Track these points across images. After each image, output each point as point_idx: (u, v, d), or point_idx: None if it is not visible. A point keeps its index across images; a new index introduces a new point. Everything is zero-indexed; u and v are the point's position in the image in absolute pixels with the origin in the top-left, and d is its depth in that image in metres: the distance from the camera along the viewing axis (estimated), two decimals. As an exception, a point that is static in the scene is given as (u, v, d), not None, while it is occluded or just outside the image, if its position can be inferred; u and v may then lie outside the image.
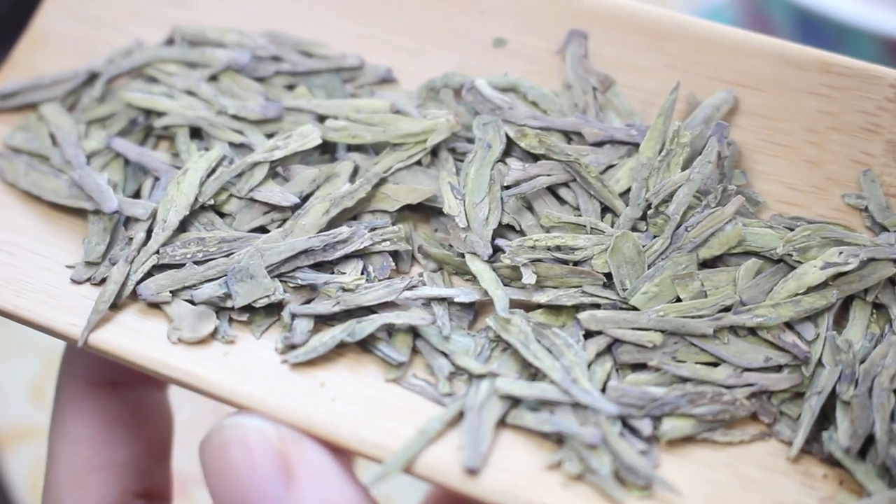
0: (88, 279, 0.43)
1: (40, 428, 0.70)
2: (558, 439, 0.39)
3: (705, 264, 0.42)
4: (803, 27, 0.70)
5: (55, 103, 0.48)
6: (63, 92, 0.48)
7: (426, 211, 0.45)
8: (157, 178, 0.45)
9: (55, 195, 0.45)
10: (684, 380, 0.40)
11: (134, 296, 0.42)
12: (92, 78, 0.48)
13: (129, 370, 0.42)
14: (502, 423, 0.40)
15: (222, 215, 0.44)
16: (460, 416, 0.40)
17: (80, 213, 0.45)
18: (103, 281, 0.43)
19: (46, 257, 0.44)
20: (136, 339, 0.41)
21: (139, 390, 0.48)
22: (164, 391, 0.49)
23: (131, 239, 0.43)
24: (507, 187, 0.44)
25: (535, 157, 0.44)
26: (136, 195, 0.45)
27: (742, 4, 0.77)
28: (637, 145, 0.44)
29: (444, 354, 0.41)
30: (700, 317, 0.41)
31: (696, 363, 0.41)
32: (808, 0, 0.69)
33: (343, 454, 0.39)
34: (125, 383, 0.47)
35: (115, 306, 0.42)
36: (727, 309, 0.41)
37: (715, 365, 0.41)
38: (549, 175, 0.44)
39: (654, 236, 0.43)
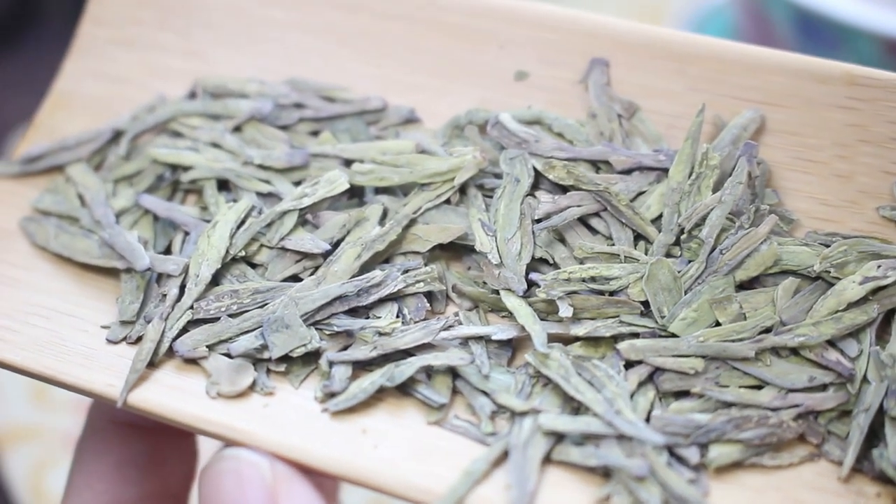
0: (124, 338, 0.43)
1: (40, 428, 0.74)
2: (605, 473, 0.39)
3: (742, 286, 0.42)
4: (803, 27, 0.70)
5: (82, 164, 0.48)
6: (89, 152, 0.48)
7: (458, 249, 0.44)
8: (186, 233, 0.45)
9: (86, 256, 0.45)
10: (729, 405, 0.40)
11: (170, 352, 0.42)
12: (117, 136, 0.48)
13: None
14: (548, 459, 0.39)
15: (254, 266, 0.44)
16: (505, 455, 0.39)
17: (112, 272, 0.45)
18: (139, 340, 0.43)
19: (81, 318, 0.44)
20: (175, 396, 0.41)
21: (160, 434, 0.48)
22: (190, 437, 0.50)
23: (165, 295, 0.43)
24: (538, 221, 0.43)
25: (564, 189, 0.44)
26: (167, 251, 0.45)
27: (742, 4, 0.76)
28: (666, 170, 0.44)
29: (485, 393, 0.41)
30: (741, 340, 0.41)
31: (740, 387, 0.40)
32: (808, 0, 0.69)
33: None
34: (147, 426, 0.47)
35: (153, 364, 0.42)
36: (768, 330, 0.41)
37: (759, 388, 0.40)
38: (579, 206, 0.43)
39: (689, 261, 0.42)
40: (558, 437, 0.40)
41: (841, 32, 0.67)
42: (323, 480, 0.41)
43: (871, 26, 0.67)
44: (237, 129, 0.47)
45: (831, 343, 0.41)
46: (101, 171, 0.48)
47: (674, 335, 0.41)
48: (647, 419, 0.40)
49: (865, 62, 0.63)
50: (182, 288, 0.43)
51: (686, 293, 0.42)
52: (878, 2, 0.67)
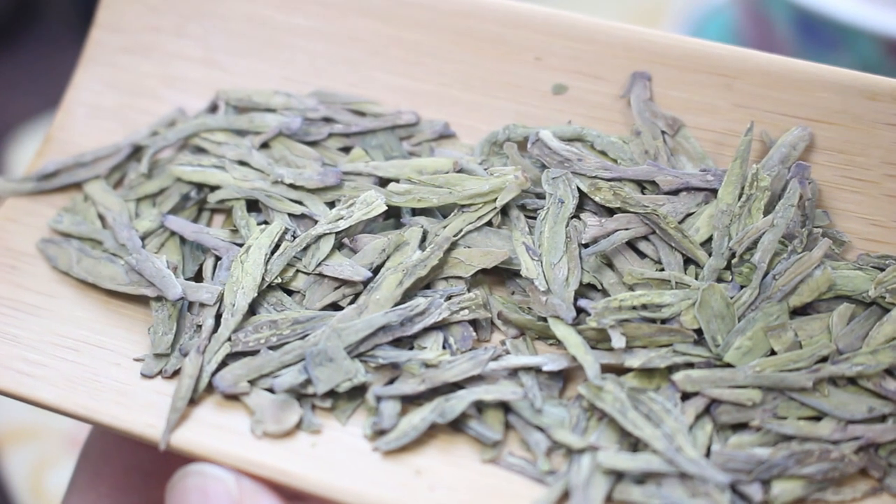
0: (159, 372, 0.41)
1: (40, 428, 0.72)
2: (669, 513, 0.38)
3: (795, 312, 0.41)
4: (803, 27, 0.69)
5: (100, 181, 0.46)
6: (107, 168, 0.46)
7: (500, 272, 0.43)
8: (217, 257, 0.44)
9: (113, 282, 0.43)
10: (789, 438, 0.39)
11: (209, 388, 0.41)
12: (136, 151, 0.46)
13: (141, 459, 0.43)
14: (608, 499, 0.38)
15: (290, 292, 0.43)
16: (566, 495, 0.38)
17: (139, 298, 0.43)
18: (175, 373, 0.41)
19: (111, 350, 0.42)
20: (219, 436, 0.40)
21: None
22: None
23: (199, 326, 0.42)
24: (585, 245, 0.42)
25: (610, 211, 0.43)
26: (197, 277, 0.44)
27: (742, 4, 0.76)
28: (714, 191, 0.43)
29: (539, 428, 0.40)
30: (797, 369, 0.40)
31: (798, 418, 0.40)
32: (808, 0, 0.68)
33: None
34: (150, 472, 0.46)
35: (192, 401, 0.40)
36: (824, 359, 0.40)
37: (817, 419, 0.40)
38: (627, 229, 0.42)
39: (741, 286, 0.41)
40: (618, 476, 0.39)
41: (841, 32, 0.67)
42: (299, 493, 0.40)
43: (871, 26, 0.66)
44: (264, 145, 0.46)
45: (889, 372, 0.40)
46: (120, 189, 0.46)
47: (729, 365, 0.40)
48: (706, 454, 0.39)
49: (865, 62, 0.63)
50: (217, 318, 0.42)
51: (739, 320, 0.41)
52: (878, 2, 0.66)
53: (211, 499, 0.38)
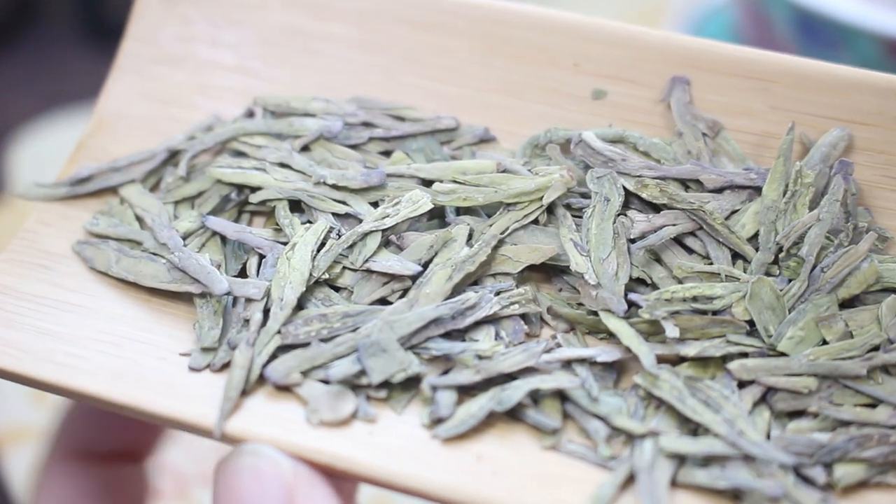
0: (207, 366, 0.41)
1: (40, 428, 0.72)
2: (734, 495, 0.38)
3: (843, 304, 0.42)
4: (803, 27, 0.70)
5: (136, 185, 0.46)
6: (142, 173, 0.46)
7: (547, 270, 0.43)
8: (261, 256, 0.43)
9: (155, 280, 0.43)
10: (847, 423, 0.39)
11: (260, 380, 0.40)
12: (172, 156, 0.46)
13: (112, 442, 0.43)
14: (672, 482, 0.38)
15: (337, 289, 0.42)
16: (631, 479, 0.38)
17: (180, 296, 0.43)
18: (224, 367, 0.40)
19: (155, 346, 0.41)
20: (275, 424, 0.39)
21: (117, 464, 0.47)
22: (142, 464, 0.49)
23: (247, 321, 0.41)
24: (633, 240, 0.42)
25: (656, 208, 0.43)
26: (239, 275, 0.43)
27: (742, 4, 0.76)
28: (757, 189, 0.43)
29: (598, 417, 0.39)
30: (850, 358, 0.40)
31: (855, 405, 0.40)
32: (808, 0, 0.69)
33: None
34: (104, 457, 0.47)
35: (243, 392, 0.40)
36: (876, 348, 0.40)
37: (873, 406, 0.40)
38: (674, 225, 0.42)
39: (789, 280, 0.42)
40: (681, 460, 0.38)
41: (841, 32, 0.67)
42: (342, 483, 0.39)
43: (871, 26, 0.67)
44: (304, 148, 0.46)
45: (940, 360, 0.40)
46: (157, 193, 0.46)
47: (783, 354, 0.40)
48: (767, 439, 0.39)
49: (865, 62, 0.64)
50: (266, 312, 0.41)
51: (790, 312, 0.41)
52: (878, 2, 0.67)
53: (264, 481, 0.37)
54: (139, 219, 0.45)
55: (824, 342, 0.41)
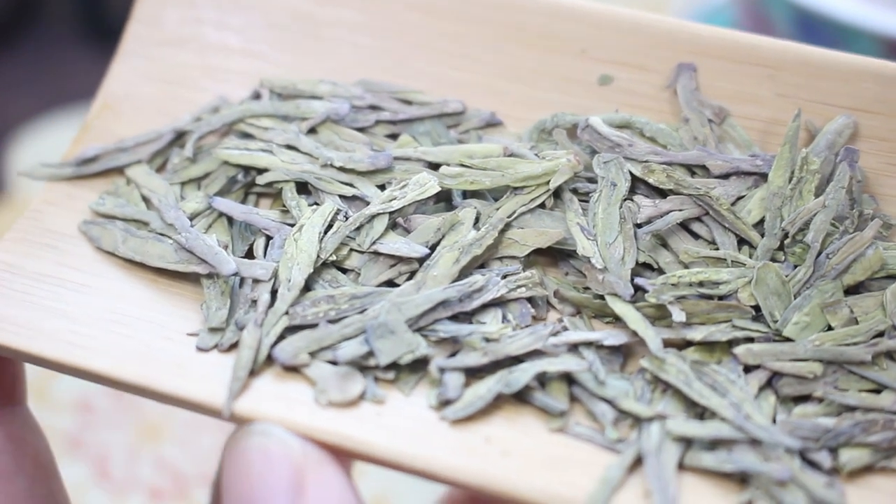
0: (215, 346, 0.41)
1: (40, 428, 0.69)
2: (741, 478, 0.38)
3: (848, 290, 0.42)
4: (803, 27, 0.70)
5: (143, 165, 0.46)
6: (149, 153, 0.46)
7: (554, 254, 0.43)
8: (268, 237, 0.43)
9: (162, 260, 0.43)
10: (852, 408, 0.40)
11: (268, 360, 0.40)
12: (178, 137, 0.46)
13: None
14: (679, 465, 0.38)
15: (344, 271, 0.42)
16: (638, 461, 0.38)
17: (187, 277, 0.43)
18: (232, 347, 0.41)
19: (162, 326, 0.41)
20: (283, 405, 0.39)
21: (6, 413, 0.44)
22: (24, 405, 0.45)
23: (254, 301, 0.41)
24: (640, 225, 0.43)
25: (662, 193, 0.43)
26: (247, 255, 0.43)
27: (742, 4, 0.76)
28: (763, 175, 0.43)
29: (605, 400, 0.40)
30: (855, 343, 0.40)
31: (860, 391, 0.40)
32: (808, 0, 0.69)
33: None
34: None
35: (252, 372, 0.40)
36: (880, 334, 0.41)
37: (877, 391, 0.40)
38: (681, 210, 0.43)
39: (794, 266, 0.42)
40: (687, 443, 0.39)
41: (841, 32, 0.67)
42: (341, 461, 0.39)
43: (871, 26, 0.67)
44: (311, 131, 0.46)
45: (944, 346, 0.41)
46: (163, 174, 0.46)
47: (788, 339, 0.41)
48: (773, 423, 0.39)
49: None
50: (273, 293, 0.41)
51: (795, 297, 0.41)
52: (878, 2, 0.67)
53: (273, 462, 0.37)
54: (146, 199, 0.45)
55: (829, 328, 0.41)
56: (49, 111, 0.83)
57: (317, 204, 0.44)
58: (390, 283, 0.42)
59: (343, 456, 0.39)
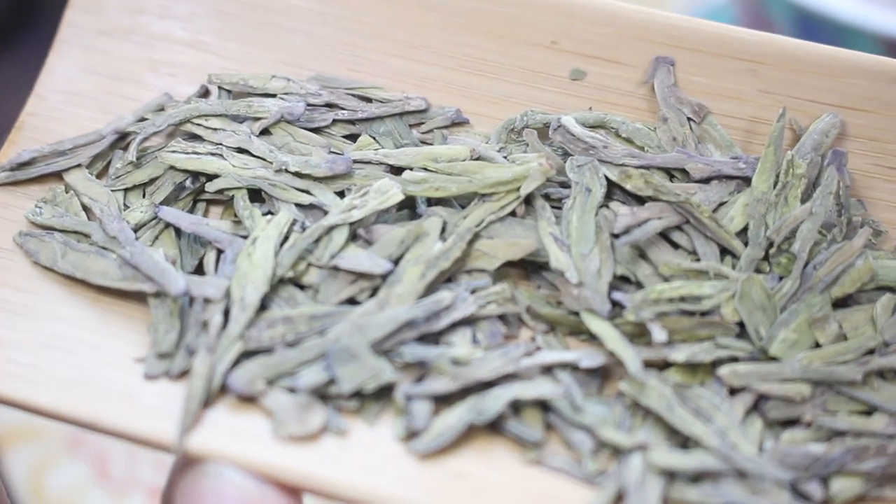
0: (164, 373, 0.38)
1: (40, 428, 0.69)
2: (728, 513, 0.36)
3: (836, 303, 0.40)
4: (803, 27, 0.69)
5: (82, 170, 0.42)
6: (88, 157, 0.43)
7: (525, 266, 0.41)
8: (220, 251, 0.40)
9: (105, 278, 0.40)
10: (842, 433, 0.37)
11: (222, 389, 0.37)
12: (121, 139, 0.43)
13: None
14: (663, 500, 0.36)
15: (301, 287, 0.40)
16: (619, 497, 0.36)
17: (134, 295, 0.40)
18: (183, 374, 0.38)
19: (107, 350, 0.38)
20: (239, 440, 0.36)
21: None
22: None
23: (206, 323, 0.38)
24: (616, 235, 0.40)
25: (640, 199, 0.41)
26: (196, 271, 0.40)
27: (742, 4, 0.75)
28: (746, 179, 0.41)
29: (582, 427, 0.37)
30: (845, 362, 0.38)
31: (850, 413, 0.38)
32: (808, 0, 0.67)
33: None
34: None
35: (205, 403, 0.37)
36: (871, 351, 0.39)
37: (868, 413, 0.38)
38: (660, 218, 0.40)
39: (780, 277, 0.40)
40: (670, 475, 0.36)
41: (841, 32, 0.66)
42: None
43: (871, 26, 0.66)
44: (264, 132, 0.43)
45: (938, 364, 0.38)
46: (105, 179, 0.43)
47: (775, 358, 0.38)
48: (760, 451, 0.37)
49: None
50: (226, 314, 0.38)
51: (781, 312, 0.39)
52: (878, 2, 0.66)
53: None
54: (86, 208, 0.42)
55: (817, 345, 0.39)
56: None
57: (271, 213, 0.41)
58: (352, 301, 0.39)
59: (304, 493, 0.36)
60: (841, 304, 0.40)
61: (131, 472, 0.69)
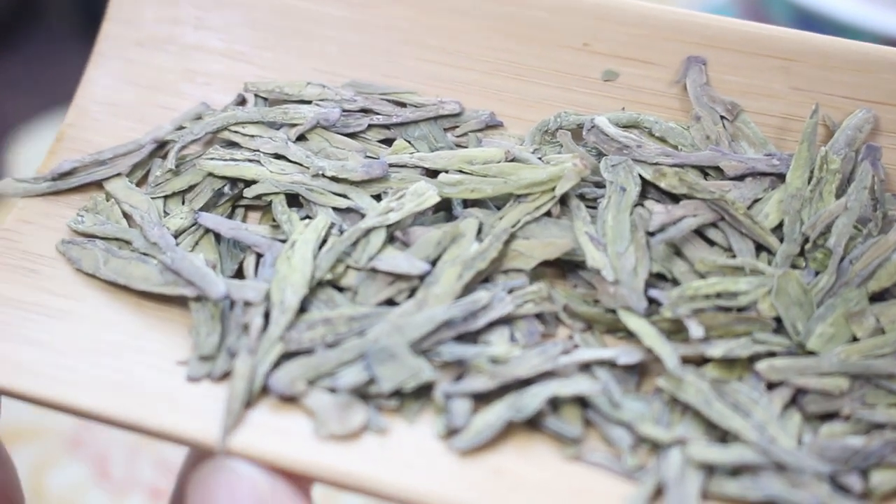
0: (206, 375, 0.38)
1: (40, 428, 0.70)
2: (767, 506, 0.36)
3: (872, 298, 0.40)
4: (803, 27, 0.69)
5: (122, 179, 0.43)
6: (128, 166, 0.43)
7: (561, 265, 0.41)
8: (259, 255, 0.41)
9: (146, 283, 0.40)
10: (881, 426, 0.37)
11: (263, 390, 0.38)
12: (159, 147, 0.44)
13: None
14: (702, 494, 0.36)
15: (340, 289, 0.40)
16: (658, 491, 0.36)
17: (174, 300, 0.40)
18: (224, 376, 0.38)
19: (151, 354, 0.39)
20: (281, 440, 0.37)
21: None
22: None
23: (247, 326, 0.39)
24: (652, 233, 0.40)
25: (674, 198, 0.41)
26: (236, 275, 0.41)
27: (742, 4, 0.75)
28: (780, 176, 0.41)
29: (621, 423, 0.37)
30: (883, 355, 0.38)
31: (888, 406, 0.38)
32: (808, 0, 0.68)
33: None
34: None
35: (246, 404, 0.37)
36: (909, 344, 0.39)
37: (907, 406, 0.38)
38: (695, 216, 0.40)
39: (816, 272, 0.40)
40: (709, 469, 0.36)
41: (841, 32, 0.66)
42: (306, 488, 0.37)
43: (871, 26, 0.66)
44: (300, 138, 0.43)
45: (976, 356, 0.38)
46: (144, 187, 0.43)
47: (812, 353, 0.38)
48: (798, 445, 0.37)
49: None
50: (266, 316, 0.39)
51: (818, 307, 0.39)
52: (878, 2, 0.66)
53: (239, 500, 0.35)
54: (127, 216, 0.42)
55: (855, 339, 0.39)
56: (49, 111, 0.81)
57: (309, 217, 0.41)
58: (390, 302, 0.40)
59: (346, 490, 0.36)
60: (878, 298, 0.40)
61: (131, 472, 0.69)
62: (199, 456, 0.37)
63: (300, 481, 0.37)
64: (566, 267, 0.41)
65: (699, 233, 0.41)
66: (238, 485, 0.36)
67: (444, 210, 0.42)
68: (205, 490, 0.36)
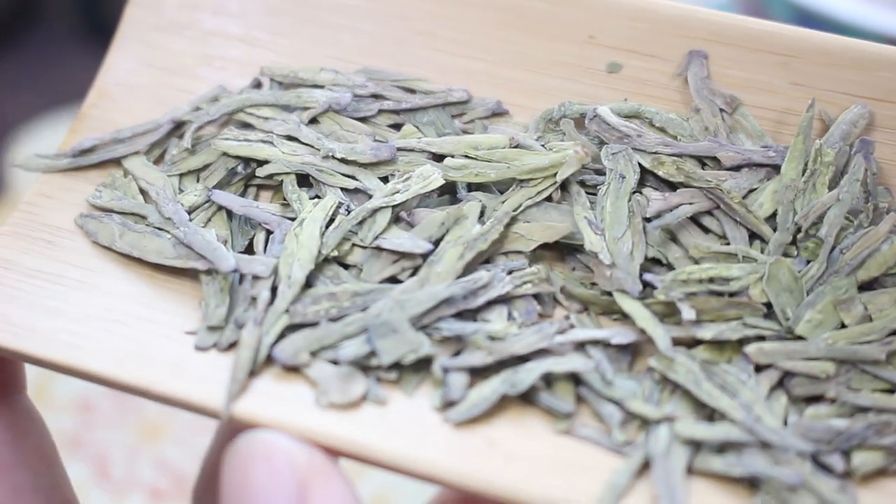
0: (214, 345, 0.40)
1: None
2: (751, 483, 0.37)
3: (862, 287, 0.41)
4: (803, 27, 0.70)
5: (140, 157, 0.45)
6: (146, 144, 0.45)
7: (560, 249, 0.42)
8: (268, 232, 0.42)
9: (159, 256, 0.42)
10: (865, 409, 0.39)
11: (268, 360, 0.39)
12: (176, 128, 0.45)
13: None
14: (688, 469, 0.37)
15: (346, 266, 0.42)
16: (645, 465, 0.37)
17: (186, 273, 0.42)
18: (231, 346, 0.40)
19: (161, 324, 0.40)
20: (284, 407, 0.38)
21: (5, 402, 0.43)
22: (24, 394, 0.44)
23: (254, 299, 0.40)
24: (649, 219, 0.41)
25: (672, 186, 0.42)
26: (246, 251, 0.42)
27: (742, 5, 0.76)
28: (776, 167, 0.42)
29: (612, 401, 0.39)
30: (869, 342, 0.39)
31: (873, 391, 0.39)
32: (808, 0, 0.68)
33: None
34: None
35: (251, 373, 0.39)
36: (895, 332, 0.40)
37: (892, 391, 0.39)
38: (691, 203, 0.42)
39: (807, 261, 0.41)
40: (696, 446, 0.38)
41: (840, 32, 0.67)
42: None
43: (871, 26, 0.66)
44: (313, 121, 0.45)
45: (960, 345, 0.40)
46: (161, 165, 0.45)
47: (801, 338, 0.40)
48: (783, 425, 0.38)
49: None
50: (273, 290, 0.40)
51: (808, 294, 0.40)
52: (878, 2, 0.67)
53: (277, 472, 0.36)
54: (143, 192, 0.44)
55: (843, 326, 0.40)
56: (49, 111, 0.83)
57: (318, 197, 0.43)
58: (393, 280, 0.41)
59: (344, 458, 0.38)
60: (867, 287, 0.41)
61: (131, 472, 0.70)
62: (229, 435, 0.38)
63: (333, 454, 0.37)
64: (565, 250, 0.42)
65: (695, 220, 0.42)
66: (275, 456, 0.37)
67: (449, 193, 0.43)
68: (242, 461, 0.37)
